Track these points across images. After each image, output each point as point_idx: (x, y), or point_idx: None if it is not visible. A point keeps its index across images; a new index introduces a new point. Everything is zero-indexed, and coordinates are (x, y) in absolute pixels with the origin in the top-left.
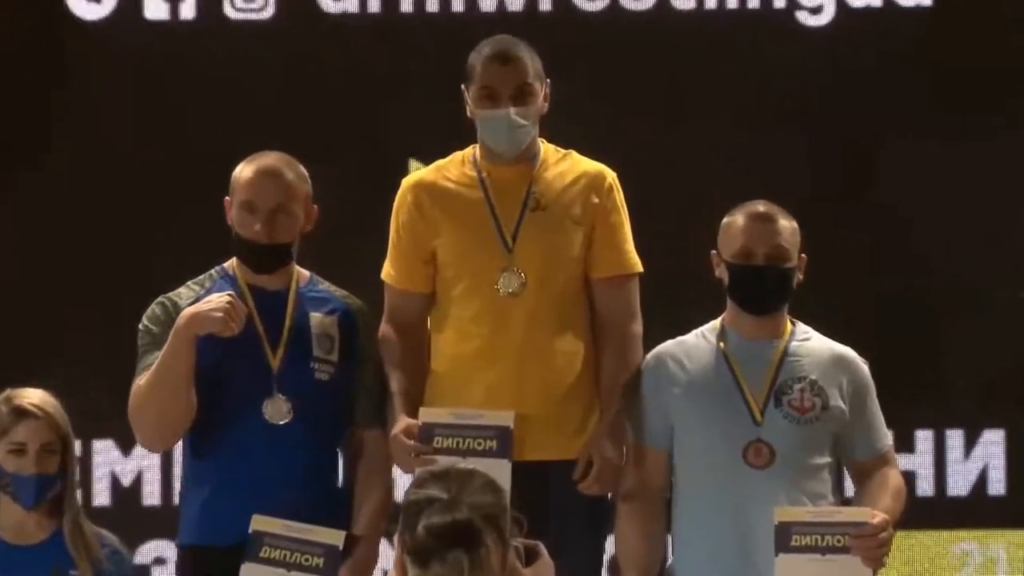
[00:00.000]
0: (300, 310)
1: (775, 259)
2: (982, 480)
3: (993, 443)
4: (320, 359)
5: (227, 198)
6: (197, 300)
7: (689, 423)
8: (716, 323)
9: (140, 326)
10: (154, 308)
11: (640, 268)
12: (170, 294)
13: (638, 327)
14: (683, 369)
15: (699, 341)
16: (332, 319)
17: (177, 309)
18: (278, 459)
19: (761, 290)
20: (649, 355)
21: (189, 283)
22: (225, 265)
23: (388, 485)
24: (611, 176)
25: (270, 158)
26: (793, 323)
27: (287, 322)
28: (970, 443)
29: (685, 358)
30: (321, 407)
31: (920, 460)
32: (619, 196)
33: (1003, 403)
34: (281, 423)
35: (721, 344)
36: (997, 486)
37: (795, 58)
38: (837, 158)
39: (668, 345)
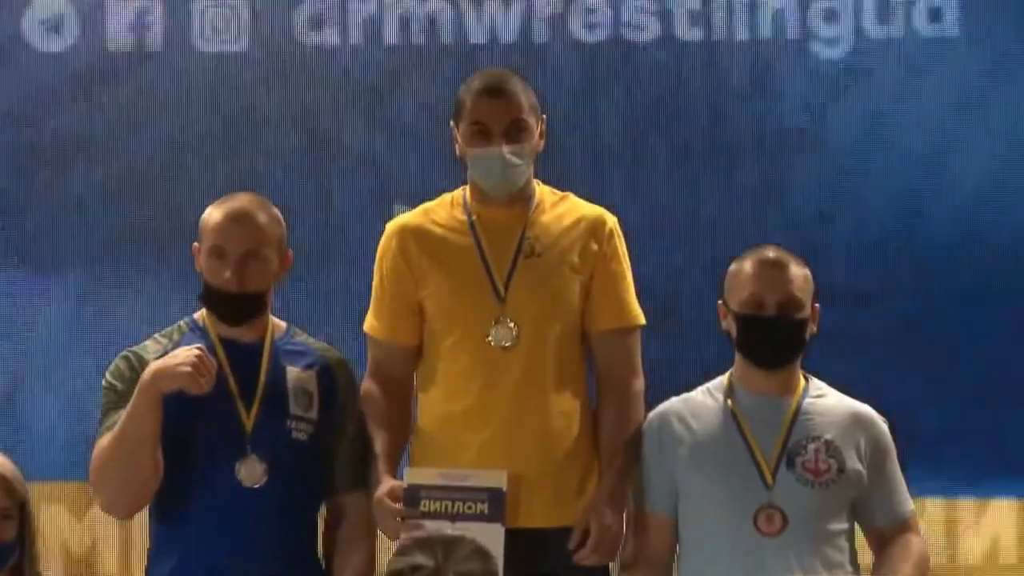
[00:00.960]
0: (275, 364)
1: (787, 309)
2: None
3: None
4: (297, 417)
5: (195, 244)
6: (164, 354)
7: (695, 487)
8: (723, 379)
9: (103, 382)
10: (118, 363)
11: (642, 320)
12: (135, 348)
13: (640, 384)
14: (688, 429)
15: (705, 399)
16: (310, 374)
17: (143, 364)
18: (252, 526)
19: (772, 343)
20: (652, 414)
21: (156, 336)
22: (195, 316)
23: (371, 553)
24: (612, 221)
25: (241, 200)
26: (806, 378)
27: (261, 377)
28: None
29: (691, 417)
30: (299, 469)
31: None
32: (620, 243)
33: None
34: (256, 486)
35: (729, 402)
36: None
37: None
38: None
39: (672, 403)
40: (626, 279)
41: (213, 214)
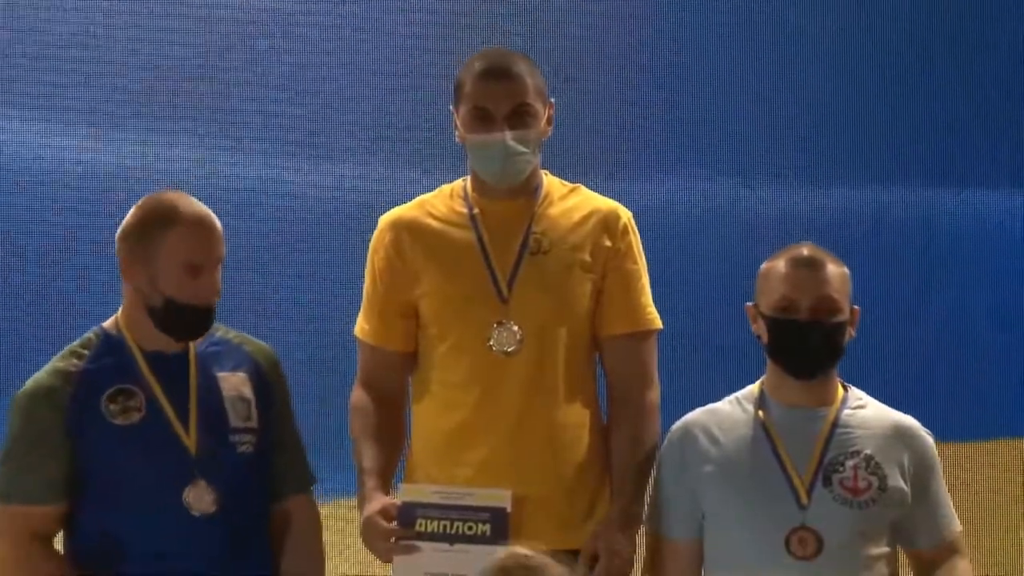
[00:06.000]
0: (205, 373)
1: (822, 312)
2: None
3: None
4: (239, 429)
5: (122, 254)
6: (82, 374)
7: (722, 508)
8: (753, 388)
9: (11, 430)
10: (28, 400)
11: (659, 324)
12: (41, 378)
13: (655, 395)
14: (715, 443)
15: (734, 410)
16: (242, 376)
17: (53, 396)
18: (205, 558)
19: (806, 350)
20: (674, 427)
21: (64, 354)
22: (106, 326)
23: (320, 562)
24: (626, 215)
25: (192, 203)
26: (845, 387)
27: (192, 391)
28: None
29: (718, 430)
30: (250, 487)
31: None
32: (636, 239)
33: None
34: (206, 514)
35: (760, 413)
36: None
37: None
38: None
39: (697, 415)
40: (642, 279)
41: (171, 229)
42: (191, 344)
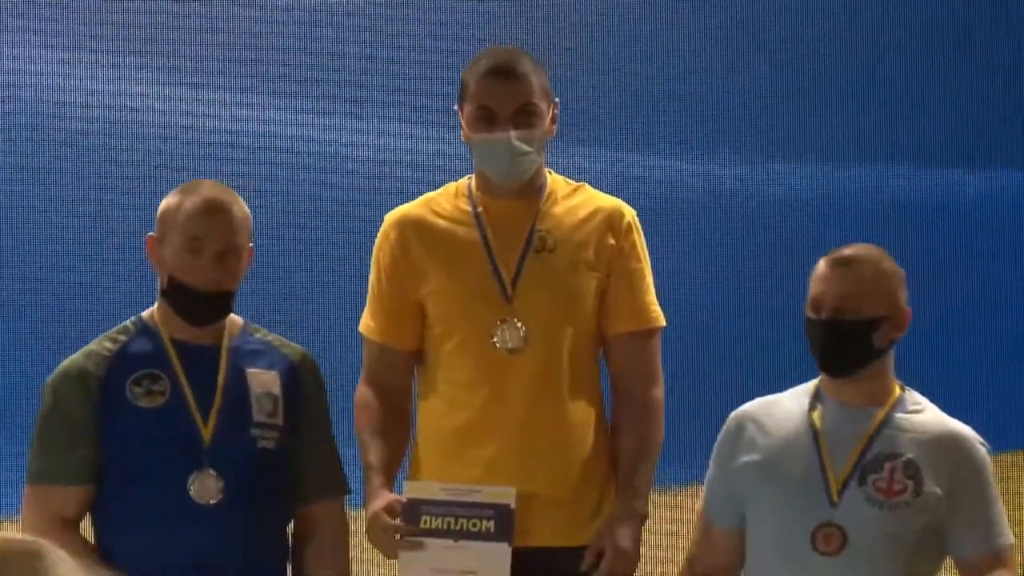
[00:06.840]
0: (234, 367)
1: (841, 312)
2: None
3: None
4: (262, 424)
5: (151, 235)
6: (114, 358)
7: (758, 500)
8: (812, 384)
9: (42, 410)
10: (60, 381)
11: (663, 322)
12: (76, 359)
13: (659, 392)
14: (765, 435)
15: (790, 404)
16: (273, 375)
17: (85, 379)
18: (207, 548)
19: (824, 349)
20: (731, 416)
21: (101, 338)
22: (143, 315)
23: (345, 569)
24: (630, 213)
25: (213, 189)
26: (903, 389)
27: (220, 382)
28: None
29: (769, 422)
30: (265, 481)
31: None
32: (640, 237)
33: None
34: (210, 503)
35: (813, 410)
36: None
37: None
38: None
39: (754, 406)
40: (646, 277)
41: (184, 204)
42: (224, 338)
